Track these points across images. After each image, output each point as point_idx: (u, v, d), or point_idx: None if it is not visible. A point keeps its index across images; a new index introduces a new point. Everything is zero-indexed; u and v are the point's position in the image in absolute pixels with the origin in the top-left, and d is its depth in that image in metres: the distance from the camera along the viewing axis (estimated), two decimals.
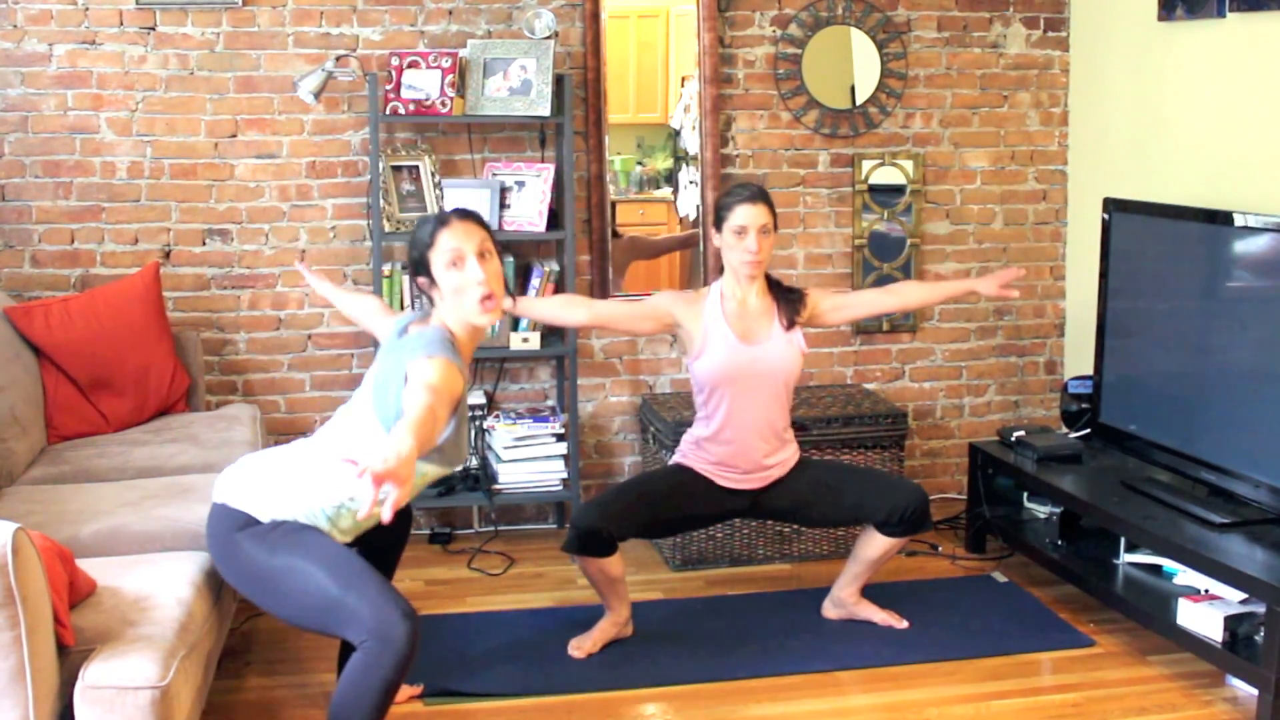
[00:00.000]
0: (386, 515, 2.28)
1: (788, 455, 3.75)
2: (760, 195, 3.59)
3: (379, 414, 2.78)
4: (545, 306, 3.83)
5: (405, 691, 3.38)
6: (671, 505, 3.68)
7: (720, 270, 3.72)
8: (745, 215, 3.55)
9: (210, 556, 2.94)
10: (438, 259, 2.83)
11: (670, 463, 3.83)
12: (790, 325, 3.65)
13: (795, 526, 4.38)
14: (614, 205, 4.70)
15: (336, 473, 2.76)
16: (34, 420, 3.86)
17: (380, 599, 2.68)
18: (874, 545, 3.75)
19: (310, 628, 2.87)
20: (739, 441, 3.64)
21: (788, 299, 3.68)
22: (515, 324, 4.43)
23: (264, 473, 2.91)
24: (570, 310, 3.75)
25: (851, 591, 3.87)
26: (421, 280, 2.89)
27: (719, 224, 3.62)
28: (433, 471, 2.91)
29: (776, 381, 3.64)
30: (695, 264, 4.77)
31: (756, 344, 3.61)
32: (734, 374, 3.59)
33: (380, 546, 3.17)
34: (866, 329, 4.92)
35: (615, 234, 4.70)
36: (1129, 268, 4.10)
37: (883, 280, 4.87)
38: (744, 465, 3.67)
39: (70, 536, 3.09)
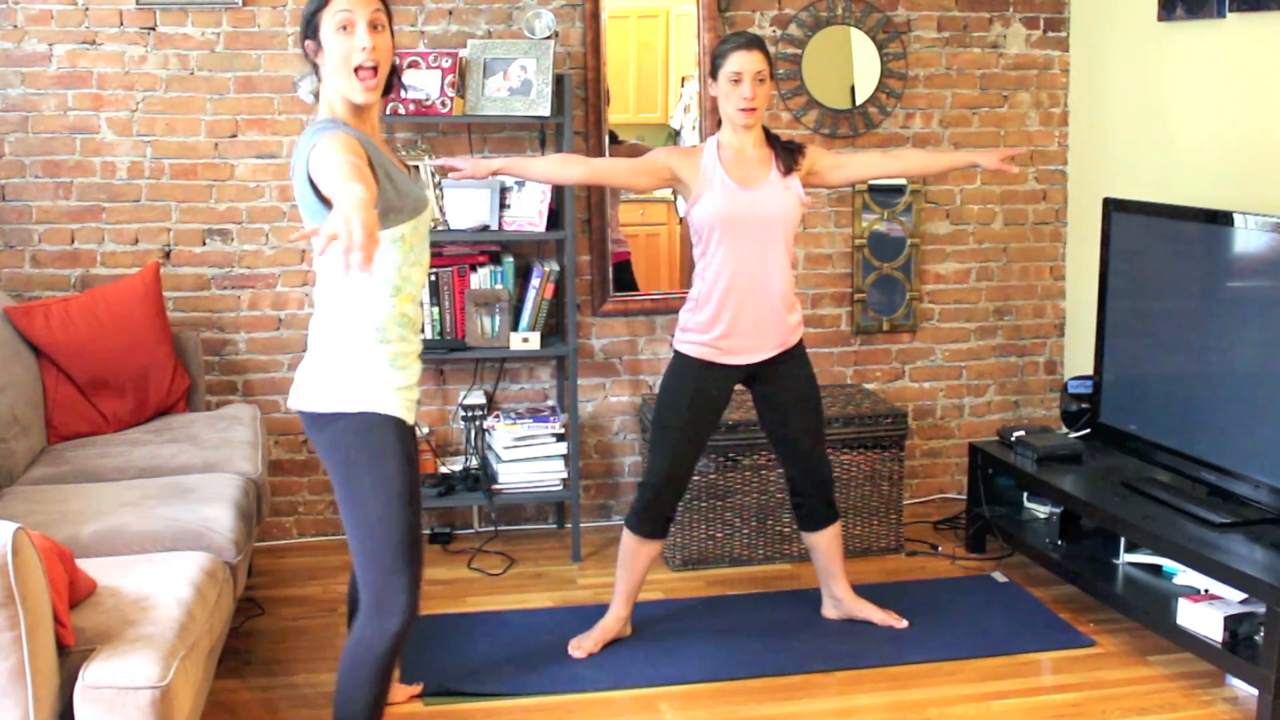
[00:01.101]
0: (365, 265, 2.10)
1: (792, 322, 3.65)
2: (755, 42, 3.53)
3: (313, 220, 2.59)
4: (541, 165, 3.71)
5: (405, 691, 3.38)
6: (701, 427, 3.65)
7: (718, 125, 3.67)
8: (740, 61, 3.49)
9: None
10: (328, 21, 2.66)
11: (671, 359, 3.70)
12: (788, 171, 3.58)
13: (795, 526, 4.37)
14: (611, 136, 4.65)
15: (346, 301, 2.66)
16: (34, 420, 3.86)
17: (394, 566, 2.67)
18: (806, 539, 3.86)
19: (350, 545, 2.76)
20: (740, 292, 3.55)
21: (785, 148, 3.62)
22: (515, 324, 4.43)
23: (314, 363, 2.73)
24: (567, 168, 3.69)
25: (842, 588, 3.87)
26: (309, 44, 2.70)
27: (714, 72, 3.55)
28: (408, 231, 2.68)
29: (775, 227, 3.55)
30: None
31: (754, 188, 3.54)
32: (732, 216, 3.52)
33: None
34: (866, 329, 4.92)
35: (615, 139, 4.66)
36: (1129, 268, 4.10)
37: (884, 280, 4.88)
38: (743, 322, 3.57)
39: (70, 536, 3.09)
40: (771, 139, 3.64)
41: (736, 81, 3.50)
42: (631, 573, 3.69)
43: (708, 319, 3.58)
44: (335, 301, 2.69)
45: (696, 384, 3.62)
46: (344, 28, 2.66)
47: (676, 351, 3.66)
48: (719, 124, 3.64)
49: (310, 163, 2.52)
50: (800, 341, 3.70)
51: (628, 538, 3.69)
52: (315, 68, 2.73)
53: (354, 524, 2.70)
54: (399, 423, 2.69)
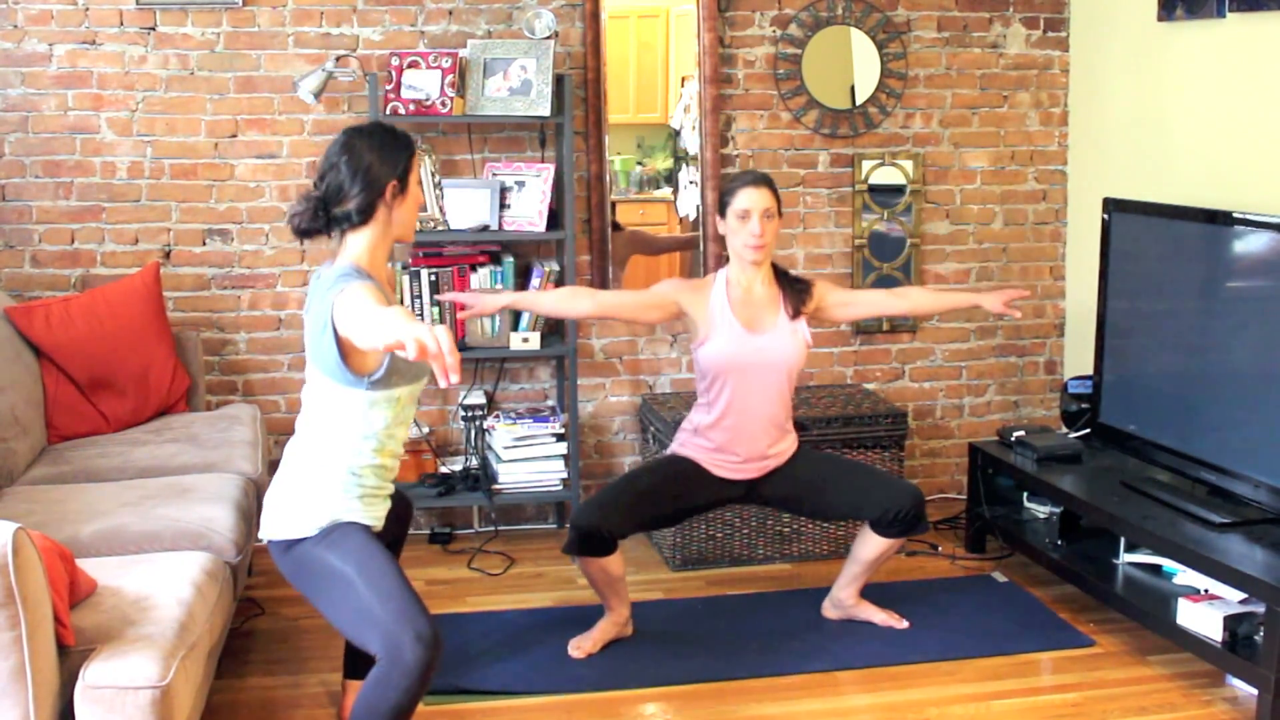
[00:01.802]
0: (455, 377, 2.19)
1: (787, 445, 3.75)
2: (764, 180, 3.58)
3: (321, 368, 2.70)
4: (549, 300, 3.80)
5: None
6: (669, 498, 3.68)
7: (725, 261, 3.71)
8: (749, 198, 3.54)
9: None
10: (415, 174, 2.80)
11: (666, 452, 3.83)
12: (796, 315, 3.64)
13: (795, 526, 4.38)
14: (614, 205, 4.70)
15: (330, 442, 2.76)
16: (34, 420, 3.86)
17: (398, 618, 2.60)
18: (870, 546, 3.75)
19: (347, 635, 2.82)
20: (739, 429, 3.63)
21: (794, 288, 3.66)
22: (515, 323, 4.44)
23: (283, 492, 2.83)
24: (575, 302, 3.73)
25: (851, 592, 3.87)
26: (392, 184, 2.73)
27: (722, 209, 3.60)
28: (404, 394, 2.77)
29: (780, 371, 3.62)
30: (695, 264, 4.77)
31: (761, 333, 3.60)
32: (738, 362, 3.58)
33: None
34: (866, 329, 4.92)
35: (617, 226, 4.69)
36: (1129, 268, 4.10)
37: (883, 280, 4.88)
38: (743, 453, 3.66)
39: (70, 536, 3.09)
40: (780, 276, 3.68)
41: (745, 218, 3.54)
42: (604, 586, 3.67)
43: (711, 446, 3.67)
44: (318, 437, 2.77)
45: (687, 470, 3.69)
46: (418, 180, 2.82)
47: (673, 454, 3.76)
48: (726, 259, 3.70)
49: (337, 307, 2.57)
50: (795, 453, 3.77)
51: (579, 561, 3.63)
52: (373, 207, 2.72)
53: (343, 616, 2.72)
54: (364, 527, 2.77)
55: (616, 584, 3.65)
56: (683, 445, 3.75)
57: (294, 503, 2.79)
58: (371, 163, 2.70)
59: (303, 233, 2.75)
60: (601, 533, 3.51)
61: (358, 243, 2.74)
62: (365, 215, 2.71)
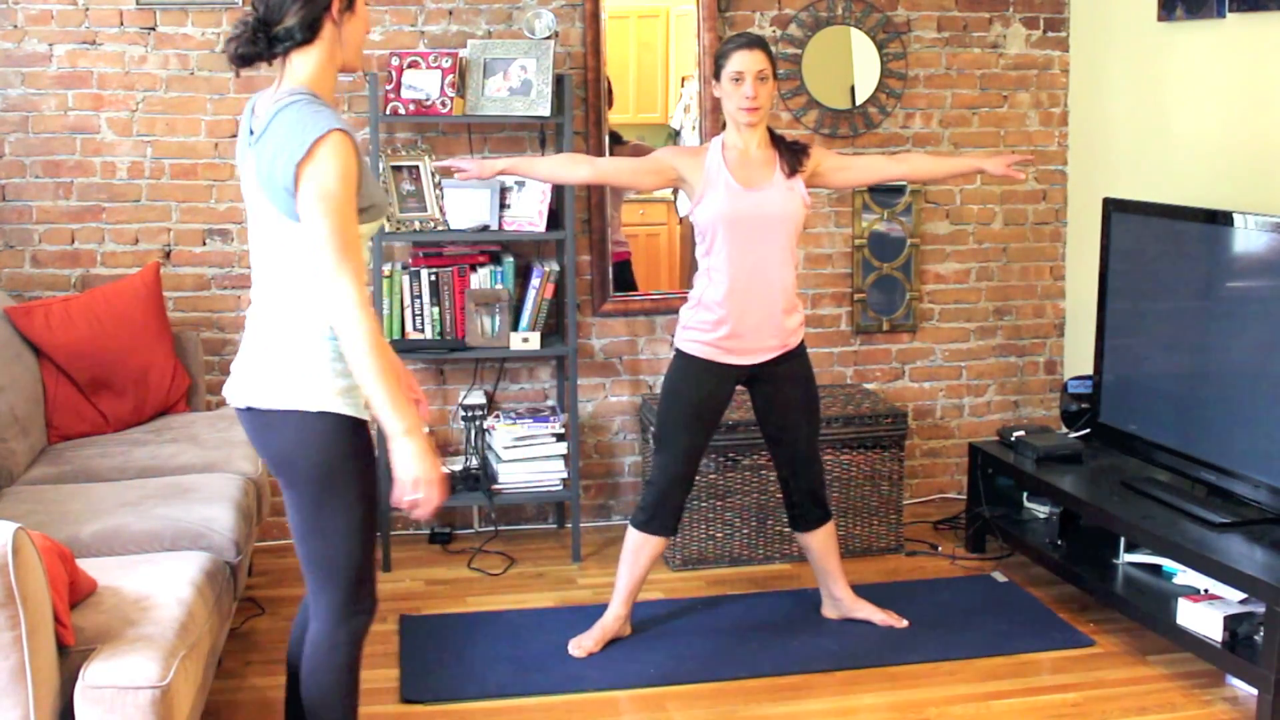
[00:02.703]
0: (427, 511, 2.30)
1: (796, 322, 3.67)
2: (757, 41, 3.53)
3: (280, 206, 2.40)
4: (545, 165, 3.74)
5: None
6: (705, 425, 3.65)
7: (721, 126, 3.66)
8: (742, 60, 3.49)
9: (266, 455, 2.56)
10: None
11: (673, 353, 3.70)
12: (792, 173, 3.58)
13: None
14: (613, 135, 4.65)
15: (299, 298, 2.45)
16: (34, 420, 3.86)
17: (366, 572, 2.52)
18: (801, 540, 3.85)
19: (304, 562, 2.55)
20: (743, 293, 3.55)
21: (790, 149, 3.62)
22: (515, 324, 4.44)
23: (263, 358, 2.48)
24: (573, 168, 3.69)
25: (841, 588, 3.87)
26: (338, 2, 2.46)
27: (717, 73, 3.55)
28: (367, 231, 2.50)
29: (779, 227, 3.56)
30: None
31: (758, 189, 3.55)
32: (736, 217, 3.52)
33: None
34: (866, 329, 4.92)
35: (617, 139, 4.65)
36: (1129, 268, 4.10)
37: (883, 280, 4.88)
38: (747, 322, 3.57)
39: (70, 536, 3.10)
40: (776, 140, 3.63)
41: (738, 80, 3.50)
42: (634, 570, 3.69)
43: (712, 319, 3.58)
44: (284, 295, 2.46)
45: (699, 382, 3.63)
46: None
47: (678, 350, 3.66)
48: (722, 125, 3.64)
49: (301, 185, 2.33)
50: (801, 343, 3.70)
51: (633, 535, 3.68)
52: (319, 22, 2.44)
53: (319, 536, 2.49)
54: (365, 425, 2.49)
55: (643, 577, 3.71)
56: (686, 335, 3.64)
57: (279, 368, 2.45)
58: None
59: (241, 59, 2.45)
60: (677, 500, 3.63)
61: (304, 64, 2.47)
62: (310, 31, 2.44)
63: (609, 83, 4.60)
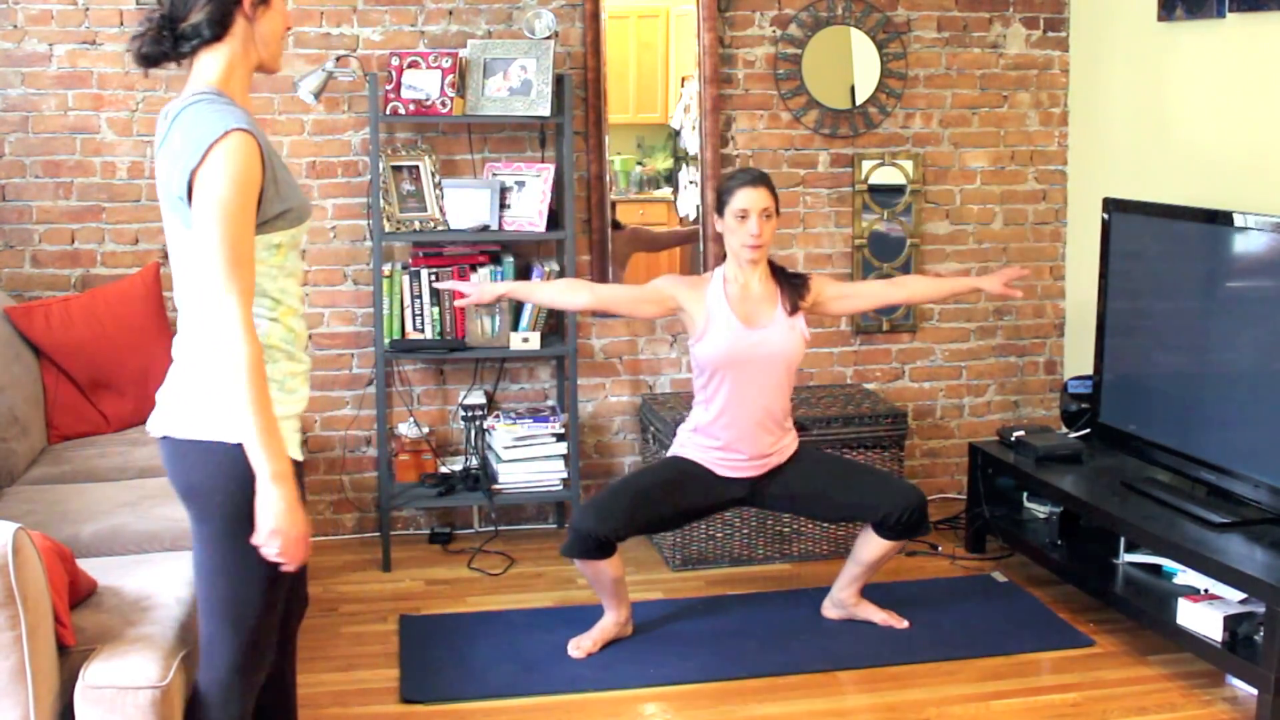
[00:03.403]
0: (291, 567, 2.12)
1: (787, 443, 3.75)
2: (762, 179, 3.59)
3: (185, 221, 2.22)
4: (546, 291, 3.82)
5: None
6: (670, 500, 3.67)
7: (723, 259, 3.72)
8: (747, 198, 3.54)
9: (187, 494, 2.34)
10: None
11: (667, 455, 3.83)
12: (794, 310, 3.64)
13: (795, 526, 4.38)
14: (614, 205, 4.70)
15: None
16: (34, 420, 3.86)
17: (246, 655, 2.33)
18: (871, 547, 3.75)
19: (204, 604, 2.35)
20: (739, 426, 3.63)
21: (791, 284, 3.67)
22: (515, 323, 4.43)
23: (190, 387, 2.31)
24: (572, 294, 3.72)
25: (851, 592, 3.87)
26: (248, 1, 2.25)
27: (720, 208, 3.61)
28: (285, 240, 2.28)
29: (778, 366, 3.62)
30: (696, 261, 4.76)
31: (759, 328, 3.60)
32: (736, 357, 3.58)
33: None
34: (866, 329, 4.92)
35: (617, 225, 4.69)
36: (1129, 268, 4.10)
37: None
38: (744, 451, 3.66)
39: (71, 536, 3.10)
40: (776, 273, 3.69)
41: (743, 218, 3.55)
42: (604, 587, 3.67)
43: (710, 444, 3.68)
44: (193, 308, 2.28)
45: (689, 471, 3.70)
46: None
47: (675, 456, 3.76)
48: (722, 256, 3.69)
49: (196, 190, 2.14)
50: (796, 451, 3.78)
51: (579, 563, 3.63)
52: (229, 17, 2.24)
53: (225, 576, 2.29)
54: (295, 467, 2.23)
55: (616, 585, 3.65)
56: (683, 446, 3.76)
57: (201, 395, 2.26)
58: None
59: (145, 59, 2.25)
60: (599, 536, 3.51)
61: (212, 63, 2.25)
62: (219, 28, 2.23)
63: (605, 87, 4.60)
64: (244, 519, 2.20)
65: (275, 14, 2.31)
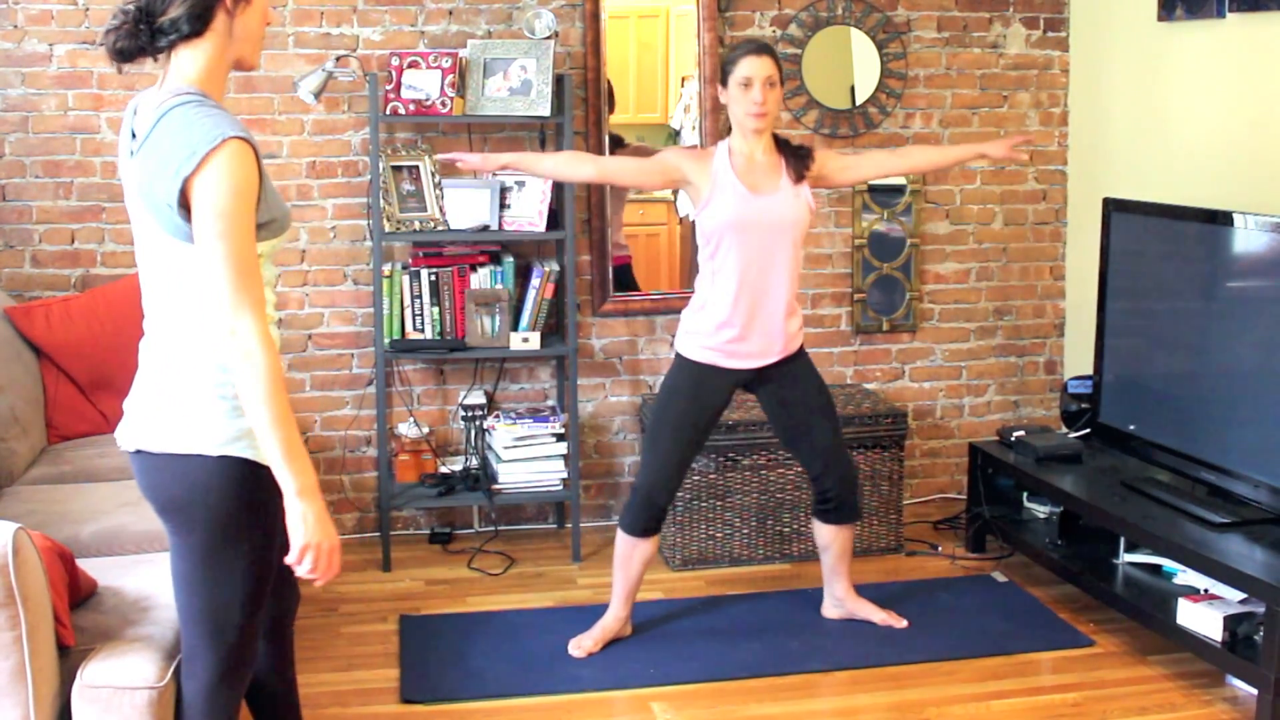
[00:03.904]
0: (323, 581, 2.11)
1: (794, 328, 3.67)
2: (765, 48, 3.54)
3: (165, 227, 2.14)
4: (549, 162, 3.76)
5: None
6: (699, 430, 3.64)
7: (729, 130, 3.66)
8: (750, 66, 3.50)
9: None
10: None
11: (674, 355, 3.70)
12: (799, 179, 3.59)
13: (795, 526, 4.38)
14: (613, 139, 4.64)
15: (190, 324, 2.20)
16: (34, 420, 3.86)
17: (227, 662, 2.32)
18: (821, 533, 3.82)
19: (185, 615, 2.33)
20: (747, 297, 3.55)
21: (796, 155, 3.63)
22: (515, 323, 4.43)
23: (164, 398, 2.22)
24: (578, 166, 3.70)
25: (842, 587, 3.87)
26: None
27: (724, 79, 3.56)
28: (267, 249, 2.22)
29: (785, 233, 3.57)
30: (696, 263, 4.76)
31: (764, 195, 3.55)
32: (742, 223, 3.52)
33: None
34: (866, 329, 4.91)
35: (619, 141, 4.66)
36: (1129, 268, 4.10)
37: (883, 280, 4.88)
38: (749, 333, 3.57)
39: (71, 536, 3.10)
40: (781, 144, 3.65)
41: (747, 86, 3.51)
42: (628, 573, 3.69)
43: (715, 322, 3.58)
44: (175, 324, 2.21)
45: (698, 386, 3.63)
46: None
47: (678, 354, 3.67)
48: (725, 128, 3.64)
49: (195, 201, 2.07)
50: (802, 348, 3.72)
51: (622, 538, 3.68)
52: (209, 12, 2.17)
53: (206, 588, 2.26)
54: (267, 471, 2.16)
55: (642, 572, 3.70)
56: (688, 336, 3.65)
57: (177, 406, 2.20)
58: None
59: (120, 54, 2.17)
60: (663, 506, 3.60)
61: (191, 60, 2.18)
62: (199, 23, 2.16)
63: (610, 85, 4.60)
64: (225, 531, 2.20)
65: (255, 10, 2.24)
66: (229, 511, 2.19)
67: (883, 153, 3.97)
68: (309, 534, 2.09)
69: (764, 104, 3.50)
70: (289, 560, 2.12)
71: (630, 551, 3.67)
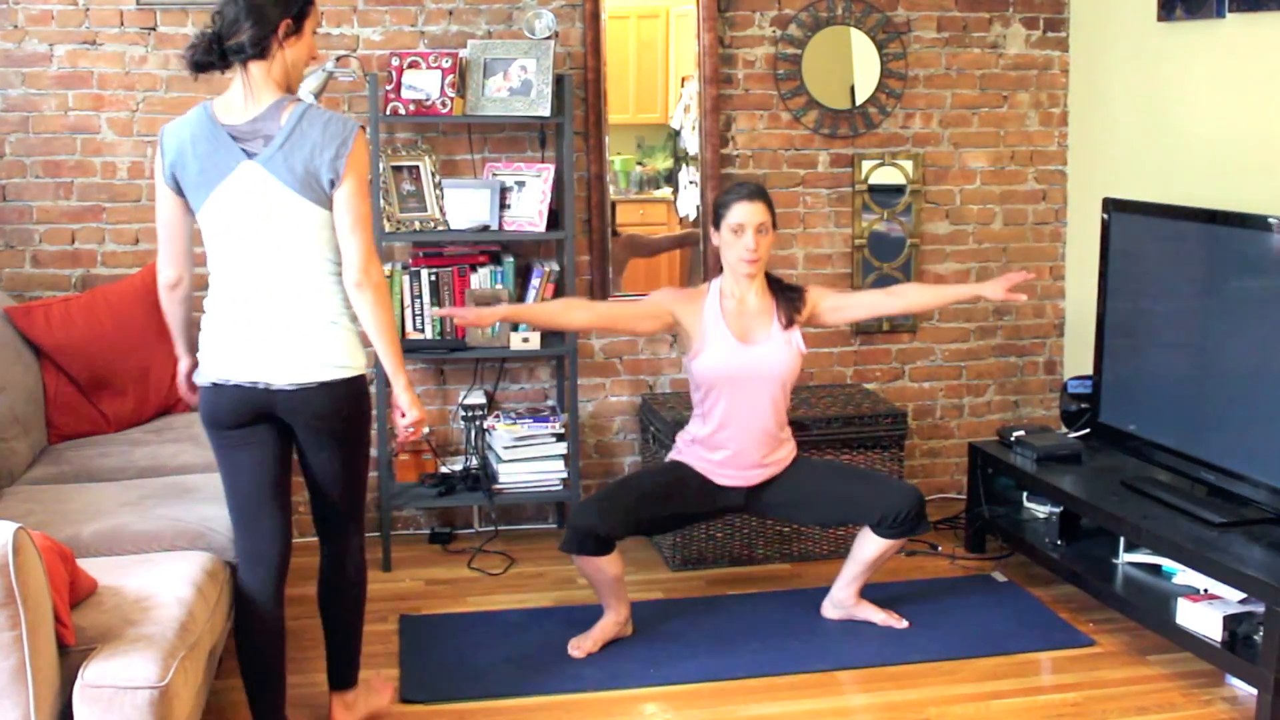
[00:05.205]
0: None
1: (784, 454, 3.76)
2: (758, 193, 3.60)
3: (308, 195, 2.80)
4: (544, 311, 3.84)
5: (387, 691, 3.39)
6: (668, 503, 3.68)
7: (720, 268, 3.72)
8: (742, 213, 3.56)
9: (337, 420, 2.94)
10: (314, 16, 2.90)
11: (667, 460, 3.83)
12: (789, 324, 3.65)
13: (795, 526, 4.38)
14: (614, 205, 4.70)
15: (325, 270, 2.87)
16: (35, 420, 3.86)
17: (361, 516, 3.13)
18: (870, 546, 3.75)
19: (341, 494, 3.06)
20: (735, 441, 3.65)
21: (787, 298, 3.68)
22: (515, 323, 4.43)
23: (324, 336, 2.87)
24: (570, 313, 3.77)
25: (850, 592, 3.88)
26: (287, 23, 2.82)
27: (717, 222, 3.63)
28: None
29: (774, 382, 3.64)
30: (695, 263, 4.77)
31: (754, 344, 3.62)
32: (731, 374, 3.60)
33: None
34: (866, 329, 4.92)
35: (614, 232, 4.70)
36: (1129, 268, 4.10)
37: (883, 280, 4.88)
38: (740, 463, 3.68)
39: (71, 536, 3.09)
40: (773, 285, 3.69)
41: (739, 233, 3.55)
42: (602, 585, 3.67)
43: (708, 454, 3.69)
44: (317, 279, 2.86)
45: (687, 476, 3.71)
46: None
47: (674, 461, 3.78)
48: (720, 269, 3.70)
49: (346, 180, 2.79)
50: (795, 459, 3.80)
51: (577, 560, 3.63)
52: (266, 40, 2.80)
53: (358, 481, 3.05)
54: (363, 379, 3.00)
55: (615, 584, 3.65)
56: (680, 453, 3.78)
57: (334, 342, 2.87)
58: (265, 1, 2.80)
59: (196, 65, 2.85)
60: (598, 533, 3.52)
61: (264, 73, 2.83)
62: (261, 49, 2.80)
63: (605, 88, 4.60)
64: (366, 433, 3.04)
65: (304, 44, 2.87)
66: (367, 417, 3.05)
67: (877, 293, 3.89)
68: (420, 410, 2.98)
69: (756, 250, 3.57)
70: (403, 425, 2.97)
71: (593, 569, 3.61)
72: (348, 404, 2.91)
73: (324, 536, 3.10)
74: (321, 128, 2.78)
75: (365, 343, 2.93)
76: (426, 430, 3.26)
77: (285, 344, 2.84)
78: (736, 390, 3.61)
